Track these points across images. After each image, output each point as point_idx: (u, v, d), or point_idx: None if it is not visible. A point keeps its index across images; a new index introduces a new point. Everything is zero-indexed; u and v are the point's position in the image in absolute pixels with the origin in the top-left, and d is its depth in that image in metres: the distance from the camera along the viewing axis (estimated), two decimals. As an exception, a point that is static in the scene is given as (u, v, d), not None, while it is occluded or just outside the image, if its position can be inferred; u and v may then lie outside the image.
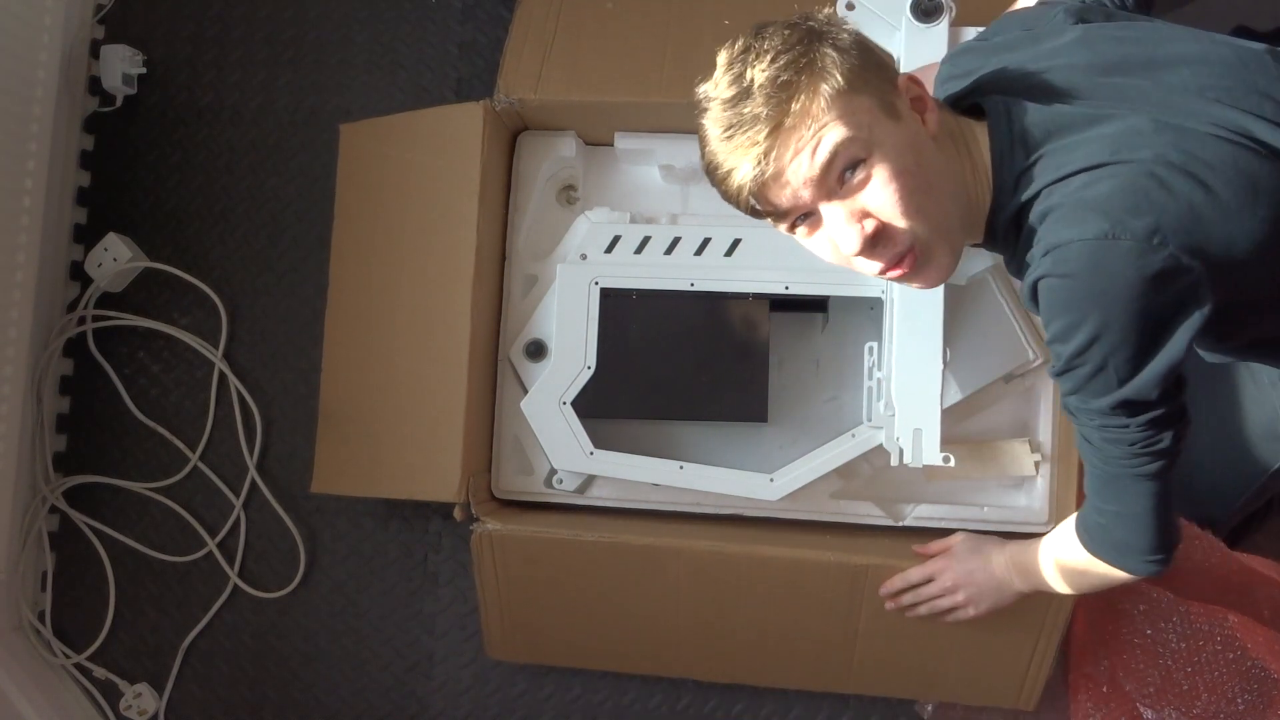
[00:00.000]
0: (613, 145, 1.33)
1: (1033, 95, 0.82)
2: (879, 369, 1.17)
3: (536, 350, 1.31)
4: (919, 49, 1.11)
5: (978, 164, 0.84)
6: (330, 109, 1.53)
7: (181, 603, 1.47)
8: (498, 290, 1.33)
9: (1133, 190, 0.72)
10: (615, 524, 1.25)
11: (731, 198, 0.82)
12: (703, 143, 0.83)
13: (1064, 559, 0.97)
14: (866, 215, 0.79)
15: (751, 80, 0.78)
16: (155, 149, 1.55)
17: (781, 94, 0.77)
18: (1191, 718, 1.12)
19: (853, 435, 1.21)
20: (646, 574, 1.22)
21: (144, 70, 1.54)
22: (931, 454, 1.10)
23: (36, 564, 1.49)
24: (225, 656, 1.46)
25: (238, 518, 1.47)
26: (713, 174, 0.83)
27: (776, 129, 0.77)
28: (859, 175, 0.78)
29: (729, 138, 0.79)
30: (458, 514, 1.21)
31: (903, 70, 1.13)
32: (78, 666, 1.47)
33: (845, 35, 0.81)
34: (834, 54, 0.78)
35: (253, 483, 1.47)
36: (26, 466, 1.47)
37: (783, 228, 0.84)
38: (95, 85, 1.54)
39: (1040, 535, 1.23)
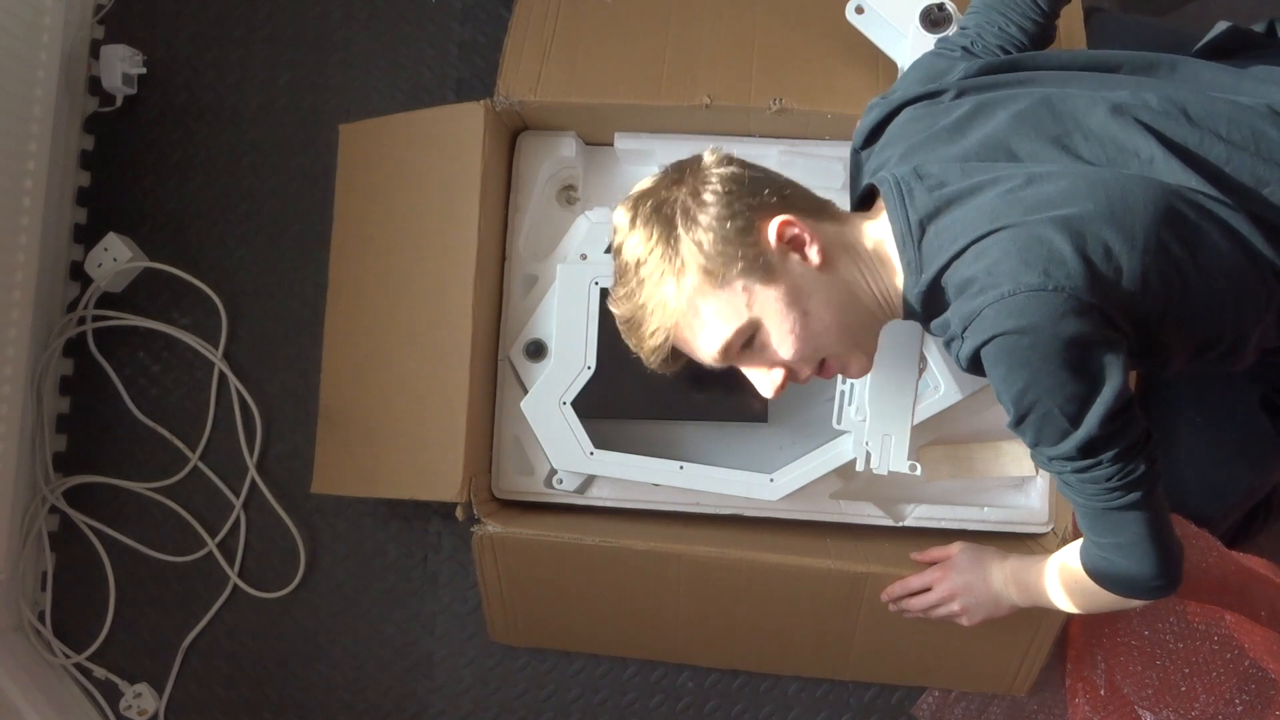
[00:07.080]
0: (613, 145, 1.33)
1: (923, 170, 0.86)
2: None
3: (536, 350, 1.31)
4: (922, 55, 1.10)
5: (882, 254, 0.89)
6: (330, 109, 1.53)
7: (181, 603, 1.47)
8: (498, 290, 1.33)
9: (1017, 250, 0.76)
10: (616, 526, 1.25)
11: (651, 367, 0.93)
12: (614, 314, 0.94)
13: (1072, 585, 0.98)
14: (774, 365, 0.88)
15: (626, 262, 0.89)
16: (155, 149, 1.55)
17: (655, 292, 0.87)
18: (1190, 719, 1.12)
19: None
20: (647, 577, 1.22)
21: (144, 70, 1.54)
22: (899, 461, 1.10)
23: (36, 564, 1.49)
24: (225, 656, 1.46)
25: (238, 518, 1.47)
26: (630, 346, 0.93)
27: (662, 327, 0.88)
28: (756, 343, 0.87)
29: (627, 331, 0.92)
30: (459, 514, 1.21)
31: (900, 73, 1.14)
32: (78, 666, 1.47)
33: (708, 205, 0.86)
34: (692, 246, 0.86)
35: (253, 483, 1.48)
36: (26, 466, 1.47)
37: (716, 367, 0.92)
38: (95, 85, 1.54)
39: (1040, 535, 1.24)
